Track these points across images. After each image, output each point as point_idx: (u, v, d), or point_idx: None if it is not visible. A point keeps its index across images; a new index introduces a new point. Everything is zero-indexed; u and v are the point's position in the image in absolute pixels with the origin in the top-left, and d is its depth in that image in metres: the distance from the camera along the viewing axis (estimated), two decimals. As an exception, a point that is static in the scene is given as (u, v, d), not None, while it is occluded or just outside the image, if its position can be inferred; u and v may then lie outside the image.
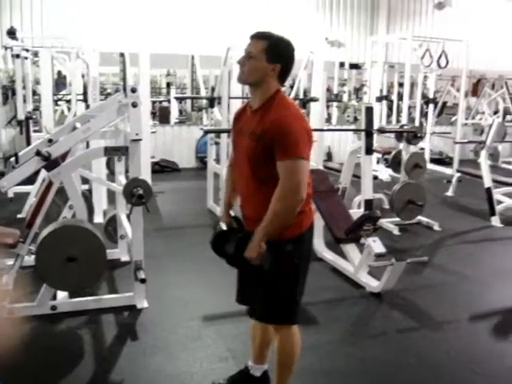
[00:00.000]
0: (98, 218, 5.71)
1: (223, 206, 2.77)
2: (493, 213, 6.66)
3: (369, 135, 5.04)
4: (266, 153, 2.30)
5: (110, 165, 6.51)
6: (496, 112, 12.17)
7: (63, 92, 9.89)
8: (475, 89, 13.07)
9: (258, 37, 2.36)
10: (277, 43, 2.35)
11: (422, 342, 3.61)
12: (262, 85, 2.37)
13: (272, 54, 2.32)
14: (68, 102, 9.06)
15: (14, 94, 8.46)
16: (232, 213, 2.67)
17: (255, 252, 2.33)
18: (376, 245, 4.32)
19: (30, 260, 3.88)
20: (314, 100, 7.12)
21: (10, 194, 6.60)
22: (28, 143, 6.80)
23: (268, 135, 2.27)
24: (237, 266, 2.60)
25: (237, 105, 6.34)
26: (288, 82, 9.36)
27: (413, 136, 6.10)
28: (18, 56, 7.74)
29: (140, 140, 3.75)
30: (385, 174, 8.85)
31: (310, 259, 2.56)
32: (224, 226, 2.61)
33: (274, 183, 2.30)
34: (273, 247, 2.34)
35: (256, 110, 2.40)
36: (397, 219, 6.13)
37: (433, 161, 10.24)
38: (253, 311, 2.63)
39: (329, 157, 10.95)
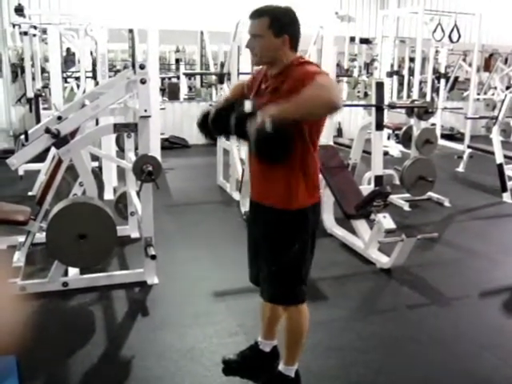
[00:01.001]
0: (108, 195, 5.73)
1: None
2: (504, 189, 6.62)
3: (379, 111, 5.00)
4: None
5: (119, 142, 6.51)
6: (508, 87, 12.05)
7: (72, 69, 9.89)
8: (487, 63, 12.92)
9: (258, 15, 2.30)
10: (278, 15, 2.29)
11: (431, 317, 3.62)
12: (278, 60, 2.32)
13: (277, 28, 2.27)
14: (77, 79, 9.04)
15: (22, 71, 8.48)
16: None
17: (260, 122, 2.07)
18: (386, 221, 4.31)
19: (41, 237, 3.91)
20: (324, 75, 7.05)
21: (21, 172, 6.62)
22: (37, 121, 6.81)
23: (294, 87, 2.14)
24: (237, 134, 2.35)
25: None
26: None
27: (424, 111, 6.04)
28: (26, 33, 7.73)
29: (149, 117, 3.74)
30: (395, 149, 8.81)
31: (316, 238, 2.53)
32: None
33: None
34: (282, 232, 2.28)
35: (278, 74, 2.33)
36: (407, 195, 6.12)
37: (444, 136, 10.15)
38: (262, 291, 2.63)
39: (339, 132, 10.91)
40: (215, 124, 2.47)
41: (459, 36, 9.19)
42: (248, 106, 2.26)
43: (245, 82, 2.62)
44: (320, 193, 2.54)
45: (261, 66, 2.49)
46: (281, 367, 2.70)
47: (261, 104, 2.24)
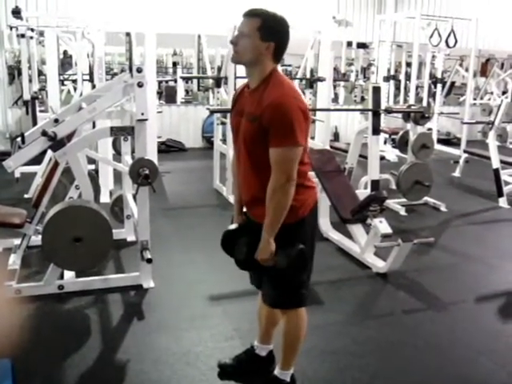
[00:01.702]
0: (105, 198, 5.72)
1: (235, 204, 2.70)
2: (500, 194, 6.63)
3: (376, 115, 5.01)
4: (261, 135, 2.23)
5: (116, 145, 6.51)
6: (505, 92, 12.08)
7: (69, 72, 9.87)
8: (484, 69, 12.95)
9: (251, 14, 2.27)
10: (270, 20, 2.26)
11: (427, 322, 3.62)
12: (256, 64, 2.29)
13: (265, 32, 2.24)
14: (74, 81, 9.05)
15: (19, 74, 8.46)
16: (244, 209, 2.62)
17: (267, 253, 2.32)
18: (382, 225, 4.32)
19: (36, 240, 3.90)
20: (321, 80, 7.07)
21: (17, 174, 6.62)
22: (34, 123, 6.79)
23: (264, 118, 2.20)
24: (249, 269, 2.61)
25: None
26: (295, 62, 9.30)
27: (420, 116, 6.06)
28: (23, 36, 7.72)
29: (146, 120, 3.74)
30: (392, 154, 8.82)
31: (315, 242, 2.54)
32: (232, 226, 2.60)
33: (269, 167, 2.25)
34: (283, 245, 2.33)
35: (253, 91, 2.33)
36: (403, 200, 6.12)
37: (440, 141, 10.18)
38: (264, 297, 2.62)
39: (336, 137, 10.92)
40: (228, 253, 2.62)
41: (456, 41, 9.22)
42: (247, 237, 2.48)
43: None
44: (316, 196, 2.53)
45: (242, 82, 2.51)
46: (276, 372, 2.70)
47: (240, 128, 2.36)
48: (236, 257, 2.53)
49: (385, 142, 9.18)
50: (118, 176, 5.58)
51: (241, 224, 2.59)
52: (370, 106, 5.01)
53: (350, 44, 11.32)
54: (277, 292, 2.51)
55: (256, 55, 2.27)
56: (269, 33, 2.25)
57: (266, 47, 2.26)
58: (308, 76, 8.91)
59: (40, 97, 8.00)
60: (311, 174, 2.73)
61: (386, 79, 9.75)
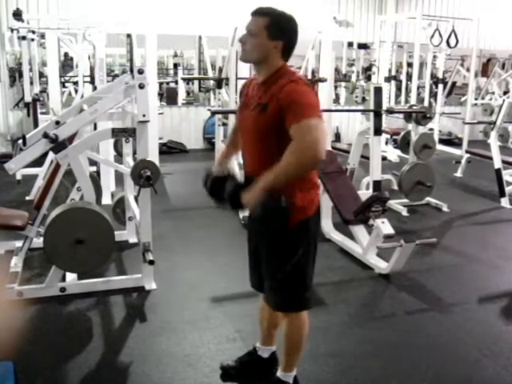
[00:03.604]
0: (106, 200, 5.71)
1: (219, 157, 2.69)
2: (502, 194, 6.62)
3: (377, 116, 5.00)
4: (273, 123, 2.21)
5: (117, 146, 6.51)
6: (506, 92, 12.07)
7: (70, 74, 9.88)
8: (485, 69, 12.96)
9: (259, 13, 2.27)
10: (278, 19, 2.26)
11: (430, 323, 3.61)
12: (265, 62, 2.30)
13: (273, 31, 2.24)
14: (75, 83, 9.05)
15: (20, 76, 8.47)
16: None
17: (254, 197, 2.18)
18: (384, 226, 4.31)
19: (38, 242, 3.90)
20: (322, 80, 7.05)
21: (18, 177, 6.62)
22: (35, 125, 6.80)
23: (277, 103, 2.18)
24: (230, 206, 2.44)
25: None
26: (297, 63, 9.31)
27: (422, 116, 6.05)
28: (24, 38, 7.72)
29: (147, 121, 3.74)
30: (393, 154, 8.79)
31: (317, 244, 2.52)
32: (217, 173, 2.54)
33: (278, 157, 2.21)
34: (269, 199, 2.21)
35: (263, 83, 2.32)
36: (405, 200, 6.12)
37: (442, 141, 10.17)
38: (267, 299, 2.61)
39: (337, 137, 10.91)
40: (212, 194, 2.55)
41: (457, 41, 9.22)
42: (238, 180, 2.39)
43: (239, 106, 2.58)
44: (319, 195, 2.51)
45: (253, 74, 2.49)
46: (279, 373, 2.68)
47: (248, 119, 2.34)
48: (220, 194, 2.43)
49: (386, 143, 9.17)
50: (119, 178, 5.58)
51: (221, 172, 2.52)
52: (372, 107, 5.00)
53: (350, 44, 11.31)
54: (280, 296, 2.50)
55: (264, 54, 2.27)
56: (277, 32, 2.25)
57: (274, 46, 2.26)
58: (309, 77, 8.90)
59: (41, 99, 8.01)
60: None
61: (387, 79, 9.73)
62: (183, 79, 10.79)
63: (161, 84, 10.60)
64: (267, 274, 2.49)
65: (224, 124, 6.86)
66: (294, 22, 2.31)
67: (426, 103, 9.32)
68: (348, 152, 5.91)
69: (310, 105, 2.18)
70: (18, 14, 7.70)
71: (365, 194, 5.40)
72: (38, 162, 4.35)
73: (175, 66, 12.24)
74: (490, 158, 6.83)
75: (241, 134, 2.51)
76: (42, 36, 7.78)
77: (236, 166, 2.81)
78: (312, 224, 2.43)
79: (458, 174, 8.10)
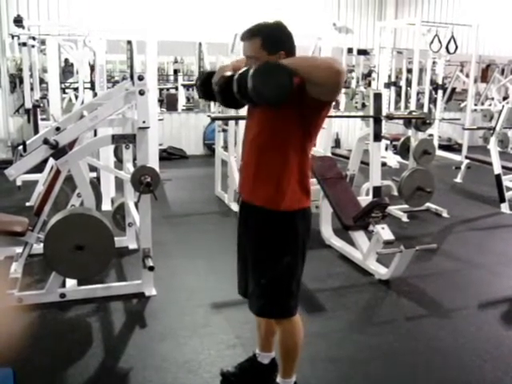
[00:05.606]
0: (106, 206, 5.71)
1: None
2: (502, 199, 6.62)
3: (377, 121, 5.01)
4: (284, 116, 2.23)
5: (117, 153, 6.51)
6: (505, 98, 12.09)
7: (70, 80, 9.90)
8: (484, 74, 12.98)
9: (248, 37, 2.27)
10: (269, 33, 2.26)
11: (430, 329, 3.61)
12: None
13: (270, 46, 2.23)
14: (75, 89, 9.06)
15: (21, 82, 8.49)
16: None
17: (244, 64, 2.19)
18: (384, 232, 4.31)
19: (38, 248, 3.89)
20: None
21: (19, 183, 6.62)
22: (36, 131, 6.81)
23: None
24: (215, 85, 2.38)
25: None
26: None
27: (421, 122, 6.06)
28: (24, 44, 7.74)
29: (147, 128, 3.74)
30: (393, 160, 8.80)
31: (306, 251, 2.49)
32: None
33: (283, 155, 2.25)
34: None
35: None
36: (405, 206, 6.12)
37: (441, 147, 10.16)
38: (251, 304, 2.59)
39: (337, 143, 10.92)
40: (201, 85, 2.52)
41: (456, 47, 9.23)
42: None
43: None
44: (310, 200, 2.48)
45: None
46: (279, 380, 2.68)
47: (256, 115, 2.35)
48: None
49: (386, 149, 9.18)
50: (119, 184, 5.59)
51: None
52: (371, 113, 5.01)
53: (350, 51, 11.33)
54: (262, 301, 2.49)
55: None
56: (273, 45, 2.25)
57: (278, 57, 2.23)
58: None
59: (41, 105, 8.01)
60: (312, 180, 2.70)
61: (387, 85, 9.75)
62: (183, 85, 10.81)
63: (161, 90, 10.62)
64: (252, 280, 2.48)
65: (224, 130, 6.87)
66: (284, 29, 2.30)
67: (425, 109, 9.34)
68: (348, 158, 5.91)
69: None
70: (18, 21, 7.74)
71: (365, 199, 5.40)
72: (39, 168, 4.34)
73: (175, 72, 12.26)
74: (490, 164, 6.83)
75: (245, 130, 2.50)
76: (43, 42, 7.78)
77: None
78: (300, 228, 2.41)
79: (458, 179, 8.10)
